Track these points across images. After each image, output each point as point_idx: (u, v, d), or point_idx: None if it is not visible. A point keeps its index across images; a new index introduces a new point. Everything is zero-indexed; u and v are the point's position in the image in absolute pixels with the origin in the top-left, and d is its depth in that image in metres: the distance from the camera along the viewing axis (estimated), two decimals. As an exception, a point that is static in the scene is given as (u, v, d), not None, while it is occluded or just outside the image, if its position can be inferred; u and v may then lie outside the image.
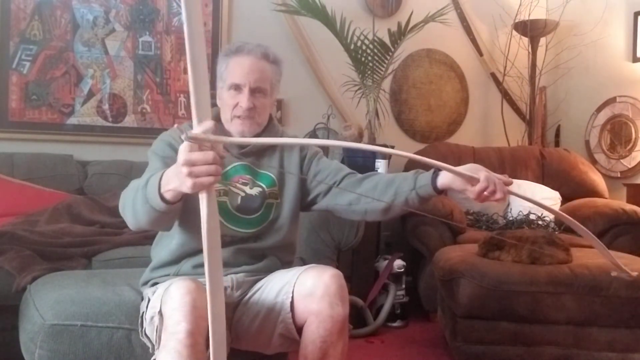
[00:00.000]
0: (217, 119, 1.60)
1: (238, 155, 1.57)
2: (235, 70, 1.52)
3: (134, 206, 1.34)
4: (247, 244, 1.55)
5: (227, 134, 1.58)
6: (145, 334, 1.44)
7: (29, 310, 1.62)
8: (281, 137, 1.67)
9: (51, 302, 1.58)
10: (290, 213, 1.60)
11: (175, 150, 1.38)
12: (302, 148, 1.65)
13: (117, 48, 3.08)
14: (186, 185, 1.07)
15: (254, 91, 1.52)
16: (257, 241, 1.57)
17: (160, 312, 1.29)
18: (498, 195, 1.31)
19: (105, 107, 3.06)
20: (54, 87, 2.97)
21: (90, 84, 3.03)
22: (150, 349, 1.41)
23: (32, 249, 2.10)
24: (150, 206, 1.28)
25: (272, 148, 1.62)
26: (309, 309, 1.38)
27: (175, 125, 1.62)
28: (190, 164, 1.05)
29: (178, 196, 1.23)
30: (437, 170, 1.41)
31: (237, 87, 1.52)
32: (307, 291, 1.39)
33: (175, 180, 1.15)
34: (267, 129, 1.62)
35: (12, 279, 1.94)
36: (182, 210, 1.37)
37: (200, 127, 1.01)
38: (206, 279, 1.10)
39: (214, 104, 1.62)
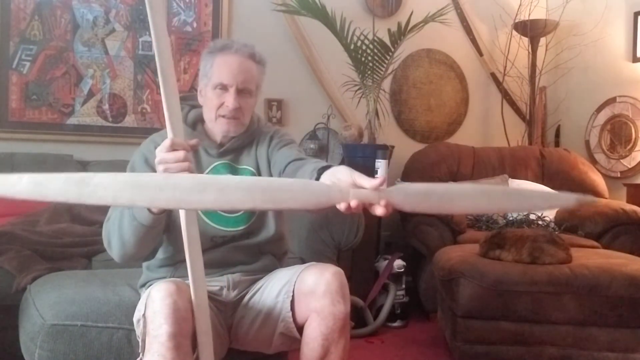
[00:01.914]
0: (199, 119, 1.60)
1: (216, 155, 1.57)
2: (222, 69, 1.51)
3: (120, 229, 1.39)
4: (240, 241, 1.56)
5: (210, 134, 1.58)
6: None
7: (29, 310, 1.62)
8: (259, 136, 1.63)
9: (51, 302, 1.58)
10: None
11: (150, 166, 1.46)
12: (272, 137, 1.62)
13: (117, 48, 3.08)
14: None
15: (241, 92, 1.51)
16: (250, 237, 1.57)
17: (144, 316, 1.29)
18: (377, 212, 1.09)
19: (105, 107, 3.06)
20: (54, 87, 2.97)
21: (90, 84, 3.03)
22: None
23: (32, 249, 2.10)
24: (138, 223, 1.35)
25: (249, 144, 1.61)
26: (310, 307, 1.38)
27: (149, 138, 1.61)
28: (164, 162, 1.22)
29: None
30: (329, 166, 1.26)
31: (223, 87, 1.51)
32: (309, 289, 1.39)
33: None
34: (249, 129, 1.61)
35: (12, 279, 1.94)
36: (175, 222, 1.43)
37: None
38: (188, 269, 1.21)
39: (194, 106, 1.60)
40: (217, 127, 1.54)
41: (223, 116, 1.52)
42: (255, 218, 1.57)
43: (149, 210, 1.32)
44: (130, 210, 1.36)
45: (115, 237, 1.42)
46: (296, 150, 1.58)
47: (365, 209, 1.07)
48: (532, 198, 1.16)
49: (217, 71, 1.52)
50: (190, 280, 1.25)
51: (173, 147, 1.21)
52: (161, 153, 1.22)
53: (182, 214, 1.22)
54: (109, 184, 0.96)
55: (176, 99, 1.20)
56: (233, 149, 1.58)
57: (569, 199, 1.12)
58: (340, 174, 1.10)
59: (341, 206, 1.06)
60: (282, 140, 1.61)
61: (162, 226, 1.43)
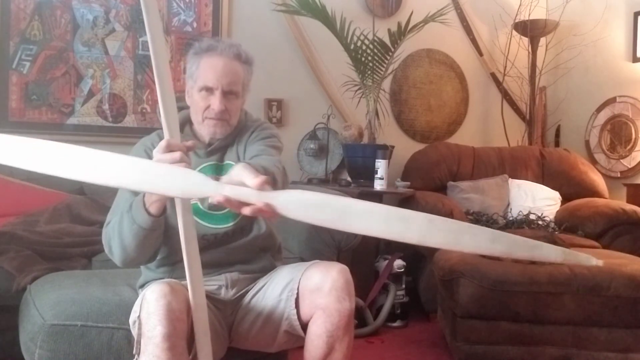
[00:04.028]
0: (186, 121, 1.60)
1: (204, 155, 1.57)
2: (207, 72, 1.50)
3: (120, 233, 1.40)
4: (235, 241, 1.55)
5: (198, 135, 1.58)
6: None
7: (29, 310, 1.62)
8: (243, 131, 1.63)
9: (51, 302, 1.58)
10: None
11: None
12: (253, 131, 1.62)
13: (117, 48, 3.08)
14: None
15: (227, 94, 1.51)
16: (245, 235, 1.57)
17: (139, 317, 1.29)
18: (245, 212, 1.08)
19: (105, 107, 3.06)
20: (54, 87, 2.97)
21: (90, 84, 3.03)
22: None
23: (32, 249, 2.10)
24: (137, 226, 1.35)
25: (233, 142, 1.61)
26: (315, 304, 1.38)
27: (139, 142, 1.61)
28: (160, 160, 1.20)
29: (162, 207, 1.33)
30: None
31: (208, 89, 1.50)
32: (314, 286, 1.39)
33: None
34: (237, 128, 1.61)
35: (12, 279, 1.94)
36: (170, 223, 1.44)
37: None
38: (186, 268, 1.22)
39: (181, 107, 1.59)
40: (205, 129, 1.54)
41: (210, 118, 1.52)
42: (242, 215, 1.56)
43: (148, 212, 1.33)
44: (129, 213, 1.37)
45: (116, 242, 1.42)
46: (267, 145, 1.57)
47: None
48: (462, 234, 1.05)
49: (202, 74, 1.51)
50: (187, 280, 1.25)
51: (169, 148, 1.20)
52: (158, 154, 1.21)
53: (179, 214, 1.22)
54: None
55: (172, 100, 1.20)
56: (219, 148, 1.58)
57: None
58: (234, 169, 1.14)
59: (213, 200, 1.07)
60: (260, 134, 1.61)
61: (162, 229, 1.43)
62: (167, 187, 1.10)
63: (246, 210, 1.06)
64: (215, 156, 1.58)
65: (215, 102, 1.49)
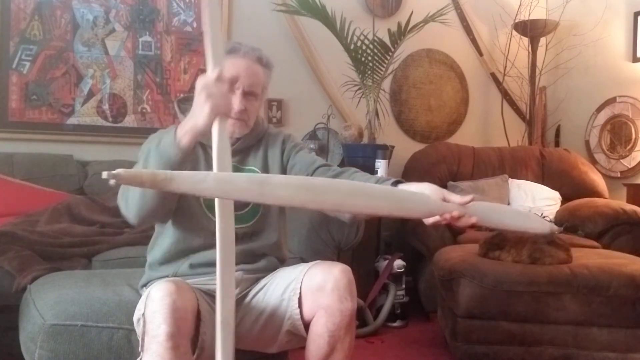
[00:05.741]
0: None
1: None
2: (230, 72, 1.50)
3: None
4: (243, 244, 1.55)
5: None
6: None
7: (29, 310, 1.62)
8: (264, 135, 1.66)
9: (51, 302, 1.58)
10: (277, 206, 1.60)
11: None
12: (284, 141, 1.65)
13: (117, 48, 3.08)
14: (205, 111, 1.21)
15: (247, 94, 1.52)
16: (254, 239, 1.57)
17: (143, 315, 1.29)
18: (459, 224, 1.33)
19: (105, 107, 3.06)
20: (54, 87, 2.97)
21: (90, 84, 3.03)
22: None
23: (32, 249, 2.10)
24: (166, 159, 1.29)
25: (257, 145, 1.63)
26: (317, 303, 1.38)
27: (160, 132, 1.61)
28: (211, 93, 1.21)
29: (194, 140, 1.29)
30: (399, 182, 1.45)
31: (230, 89, 1.51)
32: (317, 285, 1.39)
33: (193, 116, 1.25)
34: (255, 130, 1.62)
35: (12, 279, 1.94)
36: (176, 207, 1.43)
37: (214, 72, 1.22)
38: (217, 274, 1.21)
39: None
40: None
41: (229, 117, 1.52)
42: (258, 217, 1.57)
43: (179, 146, 1.28)
44: (156, 150, 1.31)
45: (136, 190, 1.34)
46: (315, 155, 1.65)
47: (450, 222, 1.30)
48: (530, 220, 1.49)
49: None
50: (217, 287, 1.21)
51: (220, 80, 1.22)
52: (209, 83, 1.22)
53: (218, 219, 1.19)
54: (285, 185, 1.11)
55: (218, 31, 1.22)
56: (240, 150, 1.59)
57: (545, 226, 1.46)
58: (428, 190, 1.31)
59: (444, 217, 1.28)
60: (296, 145, 1.66)
61: (175, 195, 1.38)
62: (409, 209, 1.30)
63: (473, 220, 1.29)
64: (235, 158, 1.57)
65: (236, 101, 1.50)
